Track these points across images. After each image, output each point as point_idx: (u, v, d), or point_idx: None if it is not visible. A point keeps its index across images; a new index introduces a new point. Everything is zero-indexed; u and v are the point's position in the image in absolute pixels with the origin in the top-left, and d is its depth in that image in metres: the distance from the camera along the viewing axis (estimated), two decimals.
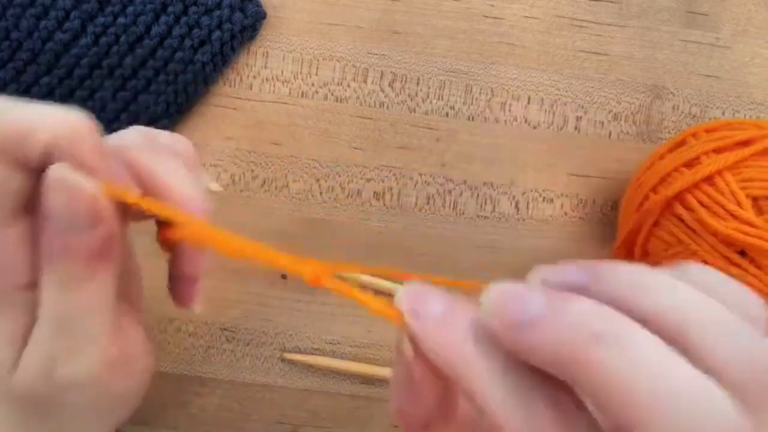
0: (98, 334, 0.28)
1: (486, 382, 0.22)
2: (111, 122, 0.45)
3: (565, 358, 0.20)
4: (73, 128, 0.26)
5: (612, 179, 0.49)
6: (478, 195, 0.48)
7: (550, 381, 0.21)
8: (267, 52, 0.47)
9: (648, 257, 0.41)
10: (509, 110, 0.48)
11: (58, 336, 0.27)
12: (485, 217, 0.49)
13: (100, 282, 0.27)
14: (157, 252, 0.37)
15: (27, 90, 0.44)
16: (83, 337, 0.28)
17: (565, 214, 0.49)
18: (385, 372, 0.48)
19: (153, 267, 0.48)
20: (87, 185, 0.26)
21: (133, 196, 0.27)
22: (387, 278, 0.46)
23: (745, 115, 0.49)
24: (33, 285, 0.27)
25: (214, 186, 0.32)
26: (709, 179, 0.38)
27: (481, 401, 0.21)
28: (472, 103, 0.48)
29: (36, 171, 0.26)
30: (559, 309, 0.21)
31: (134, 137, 0.31)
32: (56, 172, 0.25)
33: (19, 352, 0.27)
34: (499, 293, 0.23)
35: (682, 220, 0.39)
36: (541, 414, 0.21)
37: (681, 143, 0.42)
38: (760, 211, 0.37)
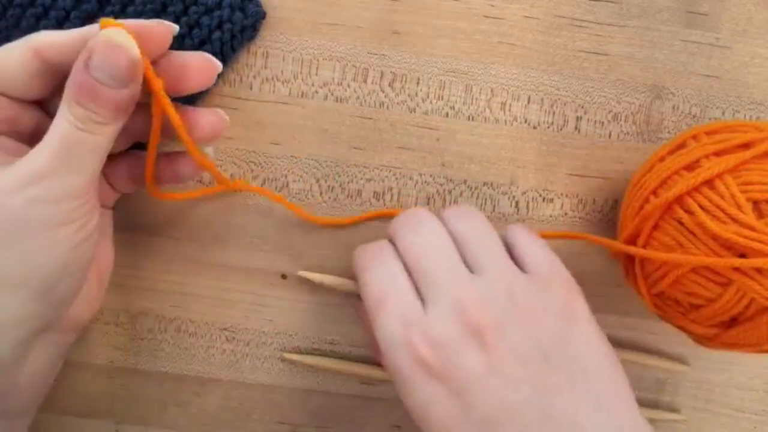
0: (85, 171, 0.35)
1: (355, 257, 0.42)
2: None
3: None
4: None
5: (612, 179, 0.49)
6: (478, 195, 0.48)
7: None
8: (267, 52, 0.47)
9: (648, 259, 0.41)
10: (509, 110, 0.48)
11: (52, 157, 0.33)
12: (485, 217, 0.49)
13: (108, 132, 0.35)
14: (154, 261, 0.40)
15: None
16: (73, 166, 0.34)
17: (565, 214, 0.49)
18: (385, 372, 0.48)
19: (154, 267, 0.49)
20: (134, 51, 0.34)
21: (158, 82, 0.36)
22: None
23: (745, 115, 0.49)
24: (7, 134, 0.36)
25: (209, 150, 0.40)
26: (709, 182, 0.38)
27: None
28: (472, 103, 0.48)
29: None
30: None
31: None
32: (112, 34, 0.34)
33: None
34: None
35: (682, 224, 0.39)
36: None
37: (681, 145, 0.42)
38: (760, 215, 0.37)
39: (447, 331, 0.35)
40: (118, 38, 0.34)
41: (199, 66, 0.39)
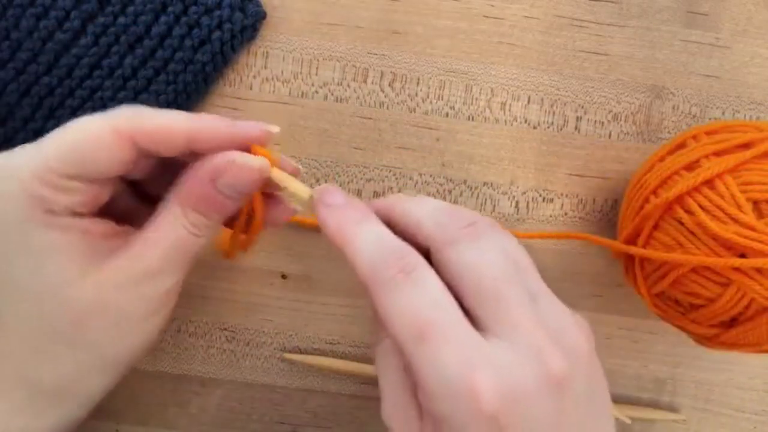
0: (185, 271, 0.36)
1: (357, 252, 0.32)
2: None
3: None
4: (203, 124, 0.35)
5: (612, 179, 0.49)
6: (478, 195, 0.48)
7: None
8: (267, 52, 0.47)
9: (648, 259, 0.41)
10: (509, 110, 0.48)
11: (164, 259, 0.34)
12: None
13: (213, 234, 0.36)
14: None
15: (27, 90, 0.44)
16: (179, 267, 0.35)
17: (565, 214, 0.49)
18: None
19: None
20: (267, 172, 0.35)
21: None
22: None
23: (745, 115, 0.49)
24: (90, 213, 0.35)
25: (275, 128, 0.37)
26: (709, 182, 0.38)
27: (352, 263, 0.32)
28: (472, 103, 0.48)
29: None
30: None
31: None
32: (248, 159, 0.34)
33: (83, 266, 0.33)
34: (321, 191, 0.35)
35: (682, 224, 0.39)
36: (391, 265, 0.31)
37: (681, 145, 0.42)
38: (760, 215, 0.37)
39: (525, 380, 0.28)
40: (254, 162, 0.35)
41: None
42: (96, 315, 0.33)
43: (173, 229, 0.34)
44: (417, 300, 0.30)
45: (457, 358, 0.28)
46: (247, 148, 0.35)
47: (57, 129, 0.33)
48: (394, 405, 0.31)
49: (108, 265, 0.33)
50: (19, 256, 0.32)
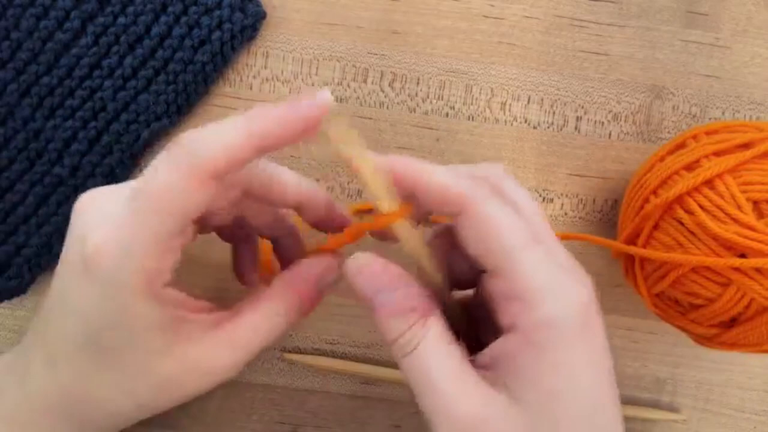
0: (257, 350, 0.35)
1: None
2: (111, 122, 0.45)
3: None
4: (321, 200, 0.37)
5: (612, 179, 0.49)
6: None
7: None
8: (267, 52, 0.47)
9: (648, 259, 0.41)
10: (509, 110, 0.48)
11: (246, 355, 0.34)
12: None
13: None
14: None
15: (27, 90, 0.44)
16: (250, 348, 0.34)
17: (565, 214, 0.49)
18: (385, 372, 0.48)
19: None
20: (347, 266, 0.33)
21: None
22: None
23: (745, 116, 0.49)
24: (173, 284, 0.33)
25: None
26: (709, 182, 0.38)
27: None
28: (472, 103, 0.48)
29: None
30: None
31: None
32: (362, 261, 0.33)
33: (169, 342, 0.32)
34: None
35: (682, 224, 0.39)
36: None
37: (681, 145, 0.42)
38: (760, 215, 0.37)
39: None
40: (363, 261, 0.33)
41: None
42: (167, 390, 0.34)
43: (269, 329, 0.35)
44: None
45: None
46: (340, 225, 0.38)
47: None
48: None
49: (198, 346, 0.33)
50: (116, 324, 0.32)
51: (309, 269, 0.35)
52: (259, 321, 0.34)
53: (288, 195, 0.36)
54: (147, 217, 0.30)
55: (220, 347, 0.34)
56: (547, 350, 0.29)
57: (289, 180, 0.36)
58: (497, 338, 0.31)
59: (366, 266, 0.32)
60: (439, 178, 0.31)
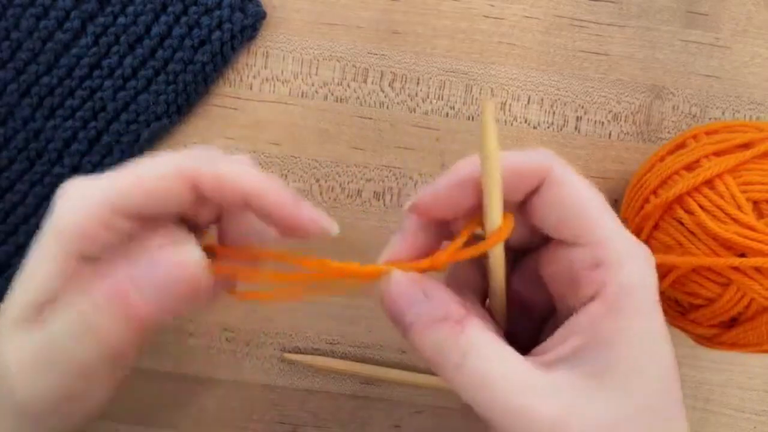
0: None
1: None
2: (111, 122, 0.45)
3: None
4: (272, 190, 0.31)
5: (612, 179, 0.49)
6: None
7: None
8: (267, 52, 0.47)
9: None
10: (509, 110, 0.48)
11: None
12: None
13: None
14: None
15: (27, 90, 0.44)
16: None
17: None
18: (385, 372, 0.48)
19: None
20: None
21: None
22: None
23: (745, 116, 0.49)
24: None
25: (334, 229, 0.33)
26: (709, 182, 0.38)
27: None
28: (472, 103, 0.48)
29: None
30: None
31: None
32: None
33: None
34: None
35: (682, 224, 0.39)
36: None
37: (681, 145, 0.42)
38: (760, 215, 0.37)
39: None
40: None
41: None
42: None
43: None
44: None
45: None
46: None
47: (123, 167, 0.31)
48: None
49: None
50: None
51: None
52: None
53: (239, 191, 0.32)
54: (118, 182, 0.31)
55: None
56: (632, 317, 0.29)
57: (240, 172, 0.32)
58: (554, 321, 0.30)
59: (389, 286, 0.31)
60: (516, 155, 0.30)
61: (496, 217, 0.30)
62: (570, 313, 0.30)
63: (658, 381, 0.29)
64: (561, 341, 0.29)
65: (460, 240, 0.31)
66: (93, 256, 0.31)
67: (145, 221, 0.31)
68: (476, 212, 0.31)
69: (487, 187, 0.29)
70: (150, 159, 0.32)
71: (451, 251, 0.31)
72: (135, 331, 0.30)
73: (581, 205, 0.30)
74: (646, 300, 0.29)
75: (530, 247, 0.33)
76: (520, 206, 0.32)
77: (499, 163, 0.29)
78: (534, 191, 0.31)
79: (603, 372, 0.28)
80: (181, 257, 0.30)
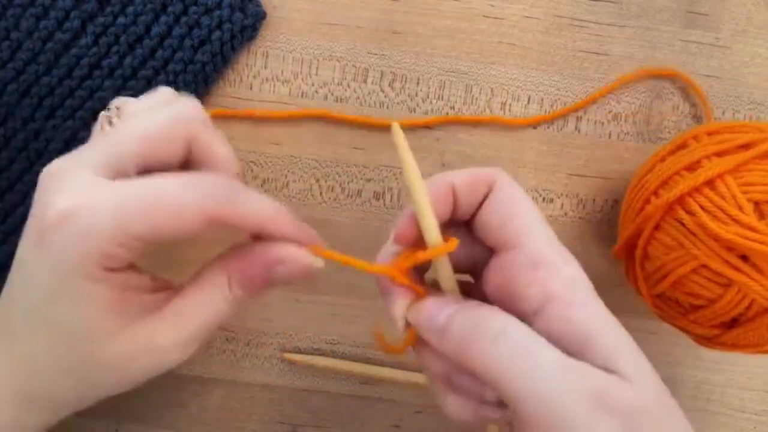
0: (204, 341, 0.35)
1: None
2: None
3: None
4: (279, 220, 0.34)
5: (612, 179, 0.49)
6: None
7: None
8: (267, 52, 0.47)
9: (649, 260, 0.41)
10: (509, 110, 0.48)
11: (197, 333, 0.33)
12: None
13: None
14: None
15: (27, 90, 0.44)
16: (203, 337, 0.34)
17: (565, 214, 0.49)
18: (385, 372, 0.48)
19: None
20: (306, 260, 0.34)
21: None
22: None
23: (745, 116, 0.49)
24: (129, 267, 0.33)
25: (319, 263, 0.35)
26: (710, 183, 0.38)
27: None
28: (472, 103, 0.48)
29: None
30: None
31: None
32: (315, 261, 0.34)
33: (118, 324, 0.32)
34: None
35: (683, 224, 0.39)
36: None
37: (682, 145, 0.42)
38: (761, 216, 0.37)
39: None
40: (315, 263, 0.34)
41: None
42: (110, 371, 0.33)
43: (217, 303, 0.34)
44: None
45: None
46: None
47: (141, 185, 0.32)
48: None
49: (145, 325, 0.33)
50: (63, 299, 0.31)
51: (260, 252, 0.34)
52: (203, 296, 0.34)
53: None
54: (135, 210, 0.30)
55: (165, 325, 0.33)
56: (591, 309, 0.30)
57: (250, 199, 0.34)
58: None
59: (418, 311, 0.33)
60: (466, 171, 0.34)
61: (434, 235, 0.32)
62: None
63: (653, 374, 0.31)
64: None
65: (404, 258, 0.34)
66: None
67: None
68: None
69: (420, 212, 0.32)
70: (164, 176, 0.32)
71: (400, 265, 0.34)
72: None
73: (521, 209, 0.33)
74: (590, 292, 0.31)
75: (478, 270, 0.35)
76: (470, 224, 0.35)
77: (424, 188, 0.33)
78: (482, 203, 0.34)
79: (609, 366, 0.29)
80: None
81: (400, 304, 0.34)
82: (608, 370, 0.29)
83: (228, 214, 0.32)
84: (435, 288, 0.34)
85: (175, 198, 0.31)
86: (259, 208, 0.33)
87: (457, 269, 0.35)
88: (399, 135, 0.33)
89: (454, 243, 0.32)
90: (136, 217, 0.30)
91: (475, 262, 0.35)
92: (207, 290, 0.34)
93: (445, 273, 0.33)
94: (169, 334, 0.33)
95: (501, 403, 0.32)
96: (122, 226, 0.30)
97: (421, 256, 0.32)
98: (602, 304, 0.31)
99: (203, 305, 0.34)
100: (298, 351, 0.49)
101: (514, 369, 0.29)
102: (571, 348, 0.29)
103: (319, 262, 0.34)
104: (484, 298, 0.34)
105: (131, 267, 0.33)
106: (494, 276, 0.33)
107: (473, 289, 0.35)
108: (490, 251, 0.34)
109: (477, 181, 0.33)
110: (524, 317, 0.31)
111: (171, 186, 0.32)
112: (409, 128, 0.48)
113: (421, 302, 0.33)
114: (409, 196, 0.33)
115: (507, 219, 0.32)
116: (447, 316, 0.31)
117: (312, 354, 0.49)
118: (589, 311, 0.30)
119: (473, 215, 0.34)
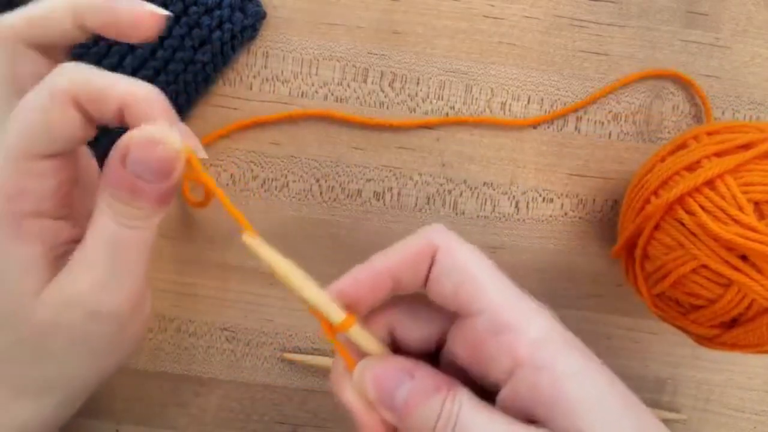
0: (139, 270, 0.33)
1: None
2: None
3: None
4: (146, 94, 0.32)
5: (612, 179, 0.49)
6: (478, 195, 0.48)
7: None
8: (267, 52, 0.47)
9: (648, 260, 0.41)
10: (509, 110, 0.48)
11: (105, 264, 0.32)
12: (485, 217, 0.49)
13: (152, 224, 0.32)
14: (154, 261, 0.39)
15: None
16: (126, 269, 0.32)
17: (565, 214, 0.49)
18: None
19: (154, 267, 0.48)
20: (175, 144, 0.31)
21: (200, 157, 0.33)
22: None
23: (745, 116, 0.49)
24: (49, 215, 0.32)
25: (201, 153, 0.34)
26: (710, 183, 0.38)
27: None
28: (472, 103, 0.48)
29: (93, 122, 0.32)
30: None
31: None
32: (151, 130, 0.31)
33: (41, 282, 0.31)
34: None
35: (683, 224, 0.39)
36: None
37: (682, 145, 0.42)
38: (761, 216, 0.37)
39: None
40: (156, 133, 0.31)
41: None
42: (50, 335, 0.32)
43: (103, 226, 0.31)
44: None
45: None
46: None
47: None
48: None
49: (67, 275, 0.32)
50: None
51: (114, 153, 0.31)
52: (95, 227, 0.32)
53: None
54: (19, 128, 0.31)
55: (79, 268, 0.32)
56: (557, 364, 0.29)
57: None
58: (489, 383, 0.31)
59: (370, 372, 0.31)
60: (402, 248, 0.32)
61: (333, 313, 0.31)
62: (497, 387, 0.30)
63: (622, 411, 0.29)
64: (513, 413, 0.30)
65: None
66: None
67: None
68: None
69: (310, 300, 0.32)
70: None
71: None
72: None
73: (470, 272, 0.31)
74: (562, 346, 0.29)
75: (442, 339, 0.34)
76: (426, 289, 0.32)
77: (300, 279, 0.32)
78: (429, 273, 0.32)
79: (576, 423, 0.28)
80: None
81: (343, 384, 0.33)
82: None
83: (95, 77, 0.31)
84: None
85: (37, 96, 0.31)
86: (130, 82, 0.32)
87: (421, 346, 0.34)
88: (254, 243, 0.32)
89: (351, 320, 0.31)
90: (22, 133, 0.31)
91: (437, 334, 0.34)
92: (95, 219, 0.32)
93: (362, 340, 0.32)
94: (85, 275, 0.32)
95: None
96: (16, 148, 0.31)
97: (330, 334, 0.32)
98: (578, 354, 0.30)
99: (98, 235, 0.32)
100: (298, 351, 0.49)
101: None
102: (541, 412, 0.28)
103: (199, 151, 0.33)
104: (451, 364, 0.33)
105: (46, 215, 0.32)
106: (459, 343, 0.32)
107: (443, 353, 0.34)
108: (450, 316, 0.32)
109: (416, 255, 0.32)
110: (496, 380, 0.30)
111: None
112: (409, 128, 0.48)
113: (364, 368, 0.32)
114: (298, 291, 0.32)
115: (458, 285, 0.31)
116: (405, 400, 0.30)
117: (312, 354, 0.49)
118: (556, 373, 0.29)
119: (425, 284, 0.32)
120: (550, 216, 0.49)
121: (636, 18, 0.48)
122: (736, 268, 0.37)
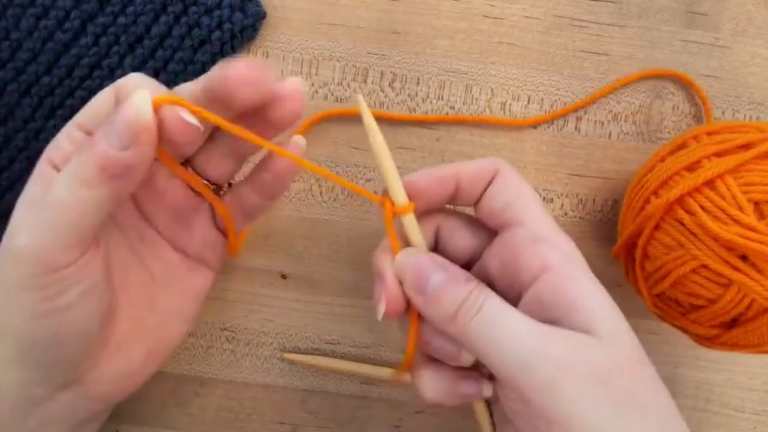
0: (71, 235, 0.32)
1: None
2: None
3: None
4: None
5: (612, 179, 0.49)
6: None
7: None
8: (267, 52, 0.47)
9: (648, 260, 0.41)
10: (509, 110, 0.48)
11: (35, 208, 0.32)
12: None
13: (96, 197, 0.31)
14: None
15: (27, 90, 0.44)
16: (52, 234, 0.32)
17: (565, 214, 0.49)
18: (385, 372, 0.48)
19: None
20: (140, 108, 0.30)
21: (185, 103, 0.32)
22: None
23: (745, 116, 0.49)
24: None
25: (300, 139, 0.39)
26: (710, 183, 0.38)
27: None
28: (472, 103, 0.48)
29: None
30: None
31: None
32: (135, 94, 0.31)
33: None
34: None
35: (683, 224, 0.39)
36: None
37: (682, 145, 0.42)
38: (761, 216, 0.37)
39: None
40: (134, 97, 0.31)
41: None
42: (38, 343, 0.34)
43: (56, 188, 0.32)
44: None
45: None
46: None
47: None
48: None
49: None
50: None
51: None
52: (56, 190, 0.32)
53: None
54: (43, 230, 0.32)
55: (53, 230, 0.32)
56: (581, 279, 0.33)
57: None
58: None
59: (412, 259, 0.35)
60: (472, 161, 0.37)
61: (399, 194, 0.36)
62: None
63: (629, 334, 0.33)
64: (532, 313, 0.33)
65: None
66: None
67: None
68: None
69: (384, 172, 0.36)
70: None
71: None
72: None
73: (523, 191, 0.35)
74: (583, 267, 0.34)
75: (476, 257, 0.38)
76: (475, 209, 0.37)
77: (387, 153, 0.36)
78: (487, 188, 0.36)
79: (587, 328, 0.31)
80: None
81: (384, 258, 0.36)
82: (587, 332, 0.31)
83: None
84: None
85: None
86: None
87: (458, 256, 0.38)
88: (363, 104, 0.35)
89: (411, 206, 0.36)
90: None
91: (474, 250, 0.38)
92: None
93: (412, 229, 0.36)
94: (59, 241, 0.32)
95: (476, 376, 0.36)
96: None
97: (389, 213, 0.36)
98: (593, 276, 0.34)
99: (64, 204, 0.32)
100: (298, 351, 0.49)
101: (491, 337, 0.32)
102: (558, 312, 0.32)
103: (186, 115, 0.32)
104: (482, 276, 0.36)
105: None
106: (498, 251, 0.36)
107: (473, 270, 0.38)
108: (490, 236, 0.37)
109: (481, 169, 0.36)
110: (522, 285, 0.34)
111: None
112: (409, 128, 0.48)
113: (407, 255, 0.36)
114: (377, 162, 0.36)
115: (511, 201, 0.35)
116: (436, 285, 0.34)
117: (312, 354, 0.49)
118: (579, 282, 0.33)
119: (478, 200, 0.37)
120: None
121: (636, 18, 0.48)
122: (736, 268, 0.37)
